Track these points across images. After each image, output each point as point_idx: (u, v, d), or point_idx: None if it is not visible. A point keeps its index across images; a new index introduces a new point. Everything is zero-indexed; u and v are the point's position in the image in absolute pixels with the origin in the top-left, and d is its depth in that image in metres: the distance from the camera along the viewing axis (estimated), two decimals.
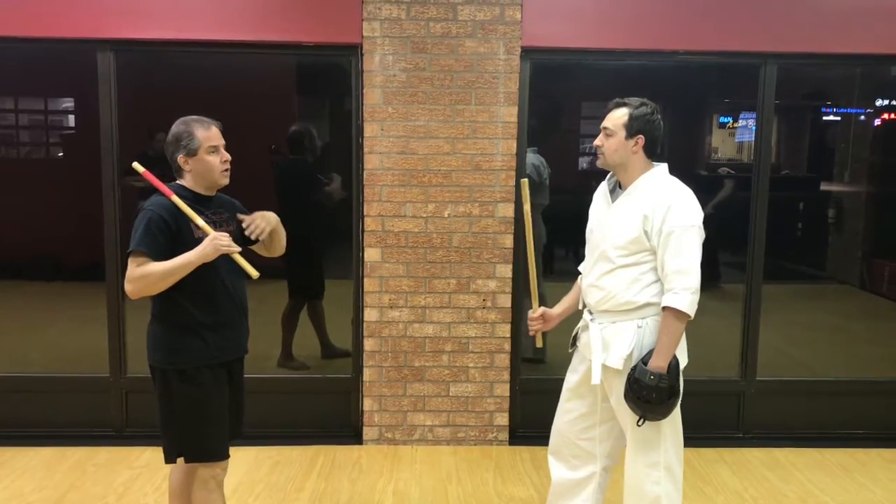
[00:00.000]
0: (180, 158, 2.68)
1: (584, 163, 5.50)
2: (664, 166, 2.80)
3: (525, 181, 2.96)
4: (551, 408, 4.36)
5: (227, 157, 2.75)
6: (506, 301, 4.26)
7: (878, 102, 5.72)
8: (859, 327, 5.41)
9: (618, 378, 2.74)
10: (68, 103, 5.51)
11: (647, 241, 2.66)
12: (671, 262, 2.62)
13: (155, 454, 4.04)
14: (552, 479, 3.06)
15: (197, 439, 2.74)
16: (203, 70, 4.58)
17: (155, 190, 2.68)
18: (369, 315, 4.25)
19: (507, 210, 4.19)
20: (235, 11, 4.07)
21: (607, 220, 2.78)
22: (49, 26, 4.01)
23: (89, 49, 4.09)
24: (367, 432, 4.34)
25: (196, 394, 2.70)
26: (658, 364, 2.62)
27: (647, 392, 2.60)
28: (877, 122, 5.87)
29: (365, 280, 4.23)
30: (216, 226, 2.71)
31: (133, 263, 2.58)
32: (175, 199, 2.63)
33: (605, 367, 2.75)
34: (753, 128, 4.42)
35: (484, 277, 4.22)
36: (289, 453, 4.18)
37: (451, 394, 4.31)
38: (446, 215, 4.18)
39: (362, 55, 4.10)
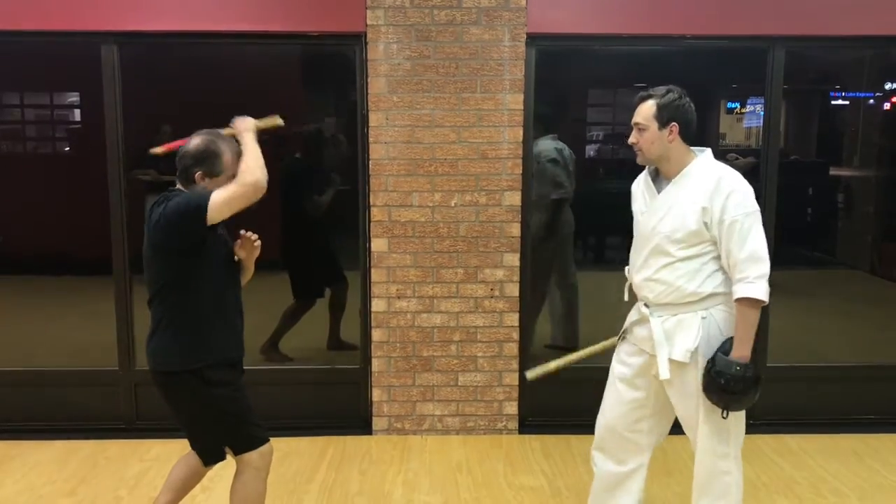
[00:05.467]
0: (198, 175, 2.64)
1: (591, 150, 5.48)
2: (708, 152, 2.75)
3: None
4: (561, 396, 4.35)
5: None
6: (513, 290, 4.24)
7: (888, 86, 5.67)
8: (870, 312, 5.37)
9: (682, 371, 2.71)
10: (74, 97, 5.51)
11: (708, 231, 2.62)
12: (739, 251, 2.58)
13: (165, 447, 4.05)
14: (596, 473, 3.02)
15: (244, 427, 2.72)
16: (207, 61, 4.56)
17: (160, 188, 2.68)
18: (377, 306, 4.24)
19: (514, 198, 4.17)
20: (239, 2, 4.05)
21: (654, 210, 2.73)
22: (52, 19, 4.00)
23: (93, 42, 4.08)
24: (377, 423, 4.34)
25: (227, 388, 2.70)
26: (742, 354, 2.60)
27: (734, 383, 2.57)
28: (886, 105, 5.82)
29: (372, 270, 4.22)
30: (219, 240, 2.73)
31: (219, 192, 2.54)
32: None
33: (670, 361, 2.71)
34: (761, 113, 4.39)
35: (491, 266, 4.20)
36: (298, 445, 4.18)
37: (459, 383, 4.30)
38: (453, 204, 4.16)
39: (366, 44, 4.07)
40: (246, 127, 2.72)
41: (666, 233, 2.68)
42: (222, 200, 2.52)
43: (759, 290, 2.57)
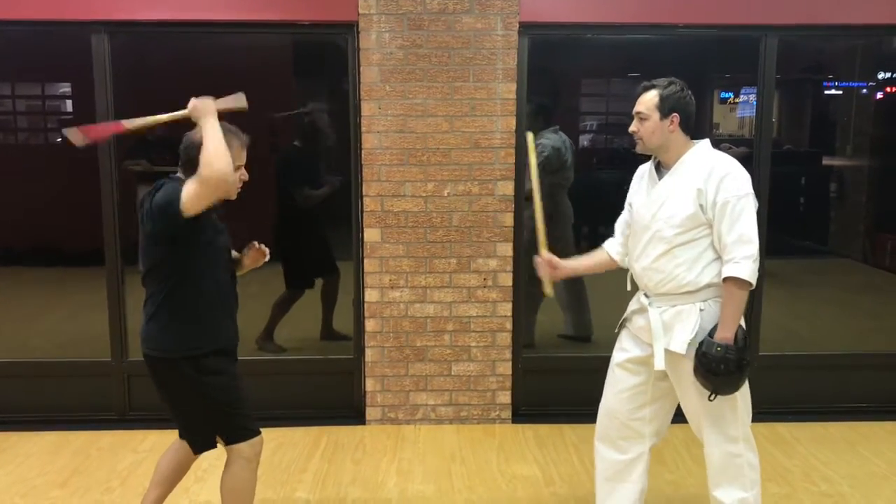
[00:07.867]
0: None
1: (584, 140, 5.47)
2: (706, 141, 2.78)
3: (530, 134, 2.95)
4: (553, 386, 4.35)
5: (246, 176, 2.68)
6: (507, 280, 4.24)
7: (881, 75, 5.67)
8: (862, 301, 5.39)
9: (681, 363, 2.72)
10: (65, 88, 5.48)
11: (703, 214, 2.65)
12: (729, 232, 2.61)
13: (159, 438, 4.05)
14: (598, 462, 3.04)
15: (237, 417, 2.71)
16: (199, 51, 4.54)
17: (152, 178, 2.64)
18: (370, 296, 4.24)
19: (507, 188, 4.17)
20: None
21: (654, 199, 2.76)
22: (41, 8, 3.97)
23: (83, 31, 4.05)
24: (370, 412, 4.34)
25: (222, 377, 2.68)
26: (724, 335, 2.61)
27: (715, 364, 2.58)
28: (879, 95, 5.82)
29: (365, 261, 4.21)
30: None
31: (187, 186, 2.44)
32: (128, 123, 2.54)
33: (667, 352, 2.73)
34: (755, 102, 4.38)
35: (484, 256, 4.20)
36: (291, 435, 4.18)
37: (453, 373, 4.30)
38: (446, 194, 4.16)
39: (358, 33, 4.05)
40: (206, 110, 2.49)
41: (664, 218, 2.70)
42: (189, 196, 2.43)
43: (745, 270, 2.58)
